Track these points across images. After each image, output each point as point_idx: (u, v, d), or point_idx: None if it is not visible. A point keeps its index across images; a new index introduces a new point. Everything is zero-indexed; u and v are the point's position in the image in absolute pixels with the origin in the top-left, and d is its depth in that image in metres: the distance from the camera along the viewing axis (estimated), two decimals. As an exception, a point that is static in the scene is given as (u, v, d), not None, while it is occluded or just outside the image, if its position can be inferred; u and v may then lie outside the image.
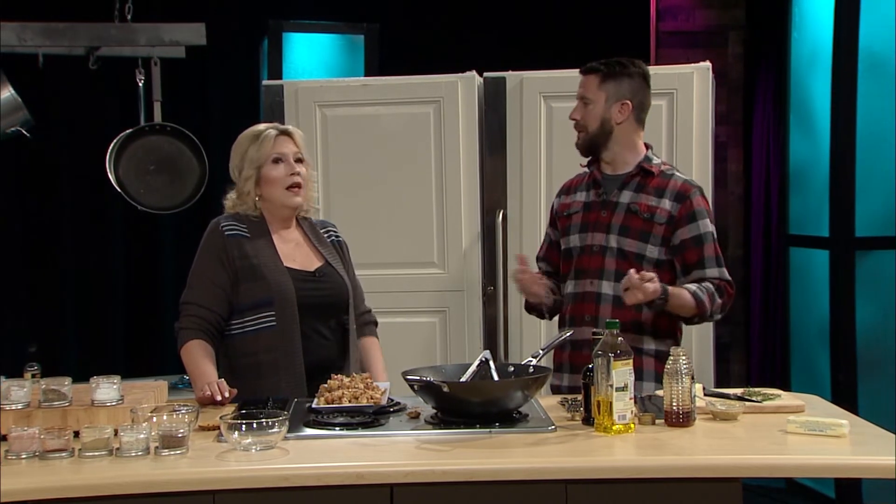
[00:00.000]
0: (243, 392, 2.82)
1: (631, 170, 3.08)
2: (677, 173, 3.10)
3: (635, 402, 2.45)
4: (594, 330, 2.63)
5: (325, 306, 2.98)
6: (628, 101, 3.05)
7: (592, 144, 3.10)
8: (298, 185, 2.98)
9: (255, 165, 2.97)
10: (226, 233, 2.95)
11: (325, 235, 3.14)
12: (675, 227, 3.01)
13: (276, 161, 2.97)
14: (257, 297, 2.90)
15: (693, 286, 2.97)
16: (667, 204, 3.02)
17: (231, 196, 3.05)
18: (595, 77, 3.07)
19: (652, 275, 2.85)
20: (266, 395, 2.77)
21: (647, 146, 3.14)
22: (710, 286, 2.98)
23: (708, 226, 3.03)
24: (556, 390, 3.09)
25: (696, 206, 3.02)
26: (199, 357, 2.88)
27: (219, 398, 2.75)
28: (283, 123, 3.12)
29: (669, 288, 2.92)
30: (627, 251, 3.03)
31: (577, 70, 3.15)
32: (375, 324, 3.22)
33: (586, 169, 3.18)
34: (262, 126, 3.05)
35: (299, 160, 3.01)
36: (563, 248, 3.18)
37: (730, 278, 3.04)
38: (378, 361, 3.12)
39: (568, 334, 2.88)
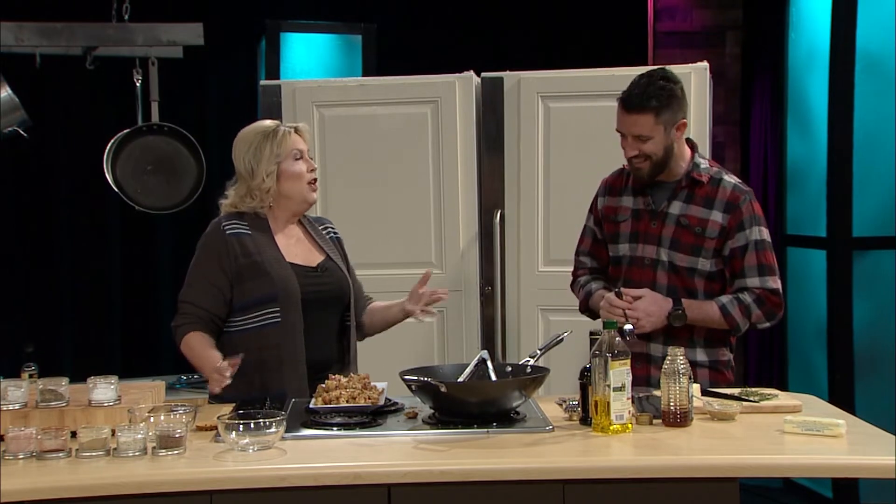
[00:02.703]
0: (245, 389, 2.81)
1: (680, 178, 3.02)
2: (725, 177, 3.02)
3: (632, 402, 2.45)
4: (591, 330, 2.63)
5: (327, 301, 2.99)
6: (684, 120, 2.99)
7: (658, 170, 3.00)
8: (316, 181, 3.02)
9: (276, 161, 2.95)
10: (227, 231, 2.93)
11: (324, 231, 3.14)
12: (727, 238, 2.97)
13: (298, 157, 2.98)
14: (262, 294, 2.89)
15: (725, 298, 2.96)
16: (718, 216, 2.97)
17: (236, 193, 3.01)
18: (649, 115, 2.92)
19: (648, 298, 2.87)
20: (268, 391, 2.77)
21: (692, 147, 3.06)
22: (747, 298, 2.95)
23: (756, 233, 2.96)
24: None
25: (745, 214, 2.96)
26: (201, 345, 2.86)
27: (230, 372, 2.70)
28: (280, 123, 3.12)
29: (684, 301, 2.93)
30: (679, 266, 2.99)
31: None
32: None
33: (625, 167, 3.10)
34: (268, 122, 3.03)
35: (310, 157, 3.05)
36: (613, 256, 3.13)
37: (774, 286, 2.97)
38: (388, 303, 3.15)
39: (566, 334, 2.87)
